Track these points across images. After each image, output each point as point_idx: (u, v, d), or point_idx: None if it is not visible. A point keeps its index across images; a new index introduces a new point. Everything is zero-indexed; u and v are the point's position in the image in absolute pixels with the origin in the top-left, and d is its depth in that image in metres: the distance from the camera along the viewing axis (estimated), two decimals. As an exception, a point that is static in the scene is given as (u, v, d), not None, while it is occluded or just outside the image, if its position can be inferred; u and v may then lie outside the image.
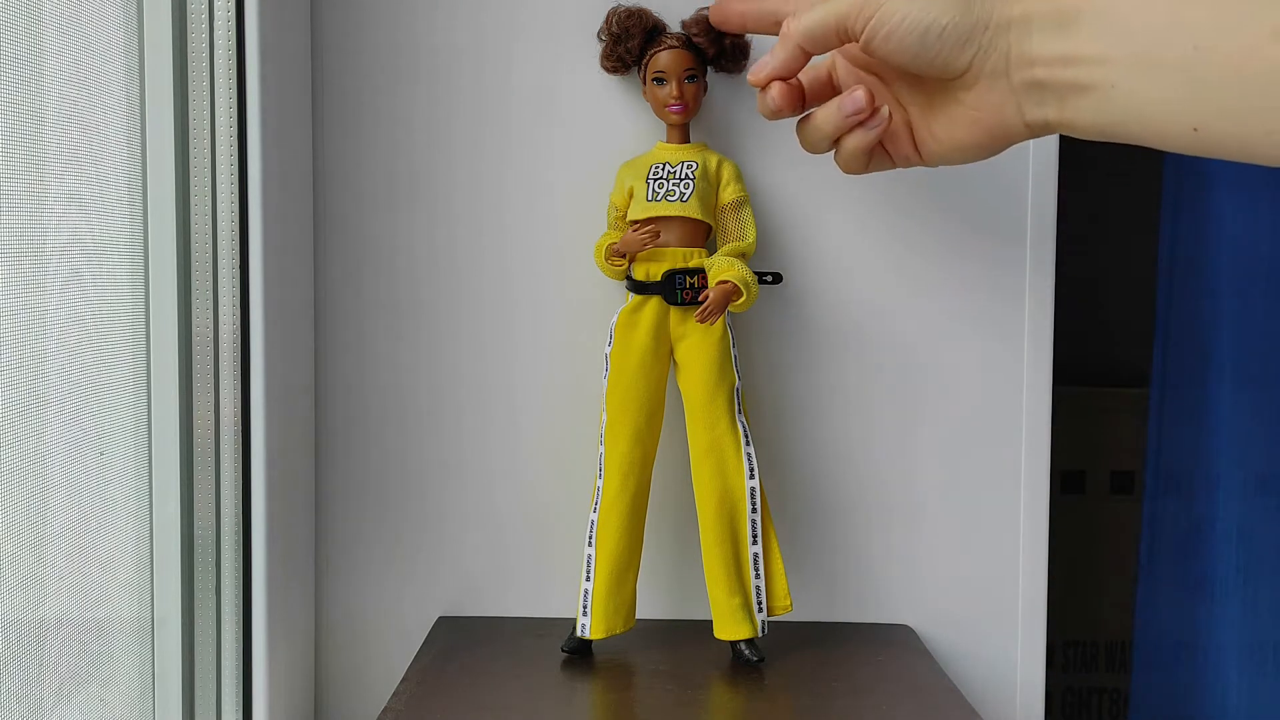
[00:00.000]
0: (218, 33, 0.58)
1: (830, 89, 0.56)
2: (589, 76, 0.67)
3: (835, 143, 0.54)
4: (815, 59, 0.53)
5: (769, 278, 0.66)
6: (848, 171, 0.55)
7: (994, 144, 0.51)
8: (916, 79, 0.52)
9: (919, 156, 0.54)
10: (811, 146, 0.55)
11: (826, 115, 0.53)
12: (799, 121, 0.55)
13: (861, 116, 0.52)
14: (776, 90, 0.53)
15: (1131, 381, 1.20)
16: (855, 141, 0.53)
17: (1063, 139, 0.68)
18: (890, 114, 0.52)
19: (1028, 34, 0.47)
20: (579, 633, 0.62)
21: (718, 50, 0.63)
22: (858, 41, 0.49)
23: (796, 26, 0.51)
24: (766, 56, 0.53)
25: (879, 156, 0.55)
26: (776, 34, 0.53)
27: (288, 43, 0.63)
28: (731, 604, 0.61)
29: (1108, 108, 0.45)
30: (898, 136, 0.54)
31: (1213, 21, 0.42)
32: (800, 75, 0.54)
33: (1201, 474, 0.87)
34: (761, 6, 0.55)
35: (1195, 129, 0.43)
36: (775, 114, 0.54)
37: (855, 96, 0.51)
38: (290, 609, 0.64)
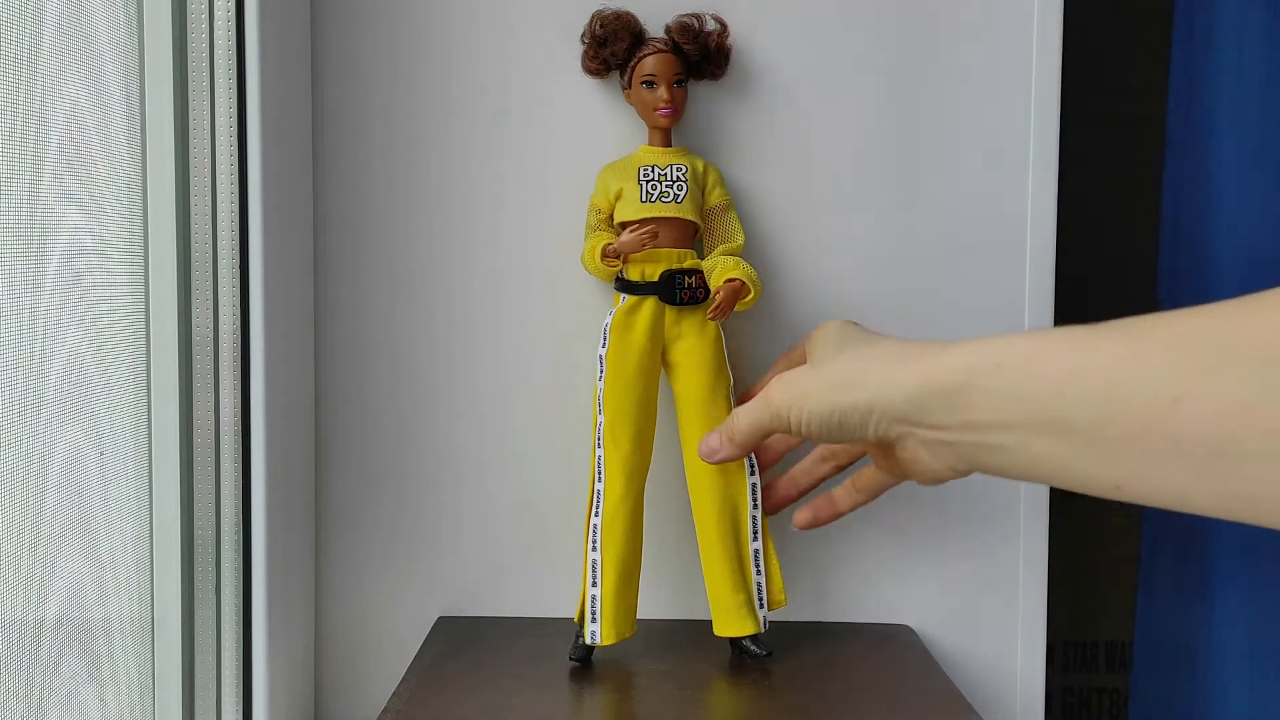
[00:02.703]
0: (218, 33, 0.58)
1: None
2: (576, 79, 0.67)
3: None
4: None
5: None
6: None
7: (940, 480, 0.53)
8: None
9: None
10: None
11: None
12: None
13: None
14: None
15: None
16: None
17: (1062, 135, 0.68)
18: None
19: (922, 408, 0.48)
20: (589, 640, 0.61)
21: (702, 56, 0.64)
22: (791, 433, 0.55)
23: (734, 436, 0.57)
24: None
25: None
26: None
27: (288, 43, 0.64)
28: (736, 601, 0.61)
29: (1027, 462, 0.45)
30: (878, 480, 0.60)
31: (1110, 390, 0.40)
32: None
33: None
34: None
35: (1117, 486, 0.42)
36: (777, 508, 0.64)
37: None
38: (290, 609, 0.64)
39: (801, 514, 0.61)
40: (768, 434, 0.58)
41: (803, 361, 0.58)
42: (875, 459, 0.58)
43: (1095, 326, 0.43)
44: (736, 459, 0.59)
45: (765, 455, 0.63)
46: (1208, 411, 0.38)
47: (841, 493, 0.61)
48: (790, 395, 0.53)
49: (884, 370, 0.49)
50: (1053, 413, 0.43)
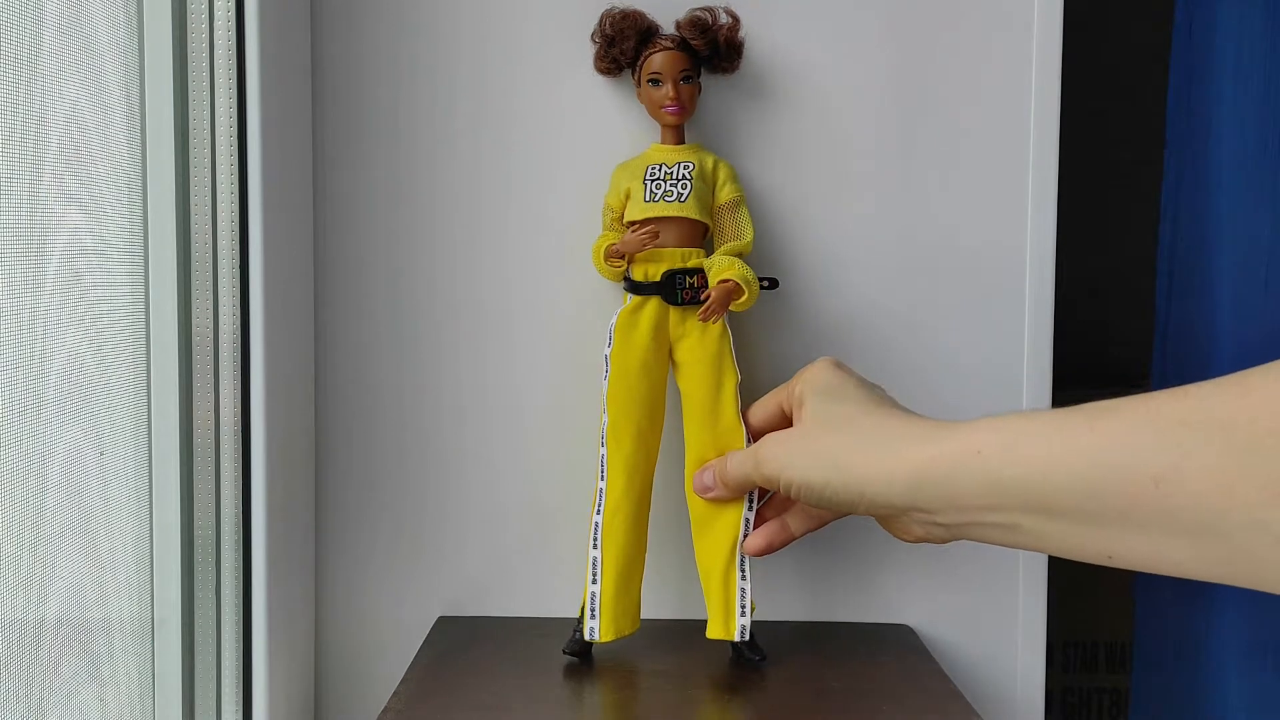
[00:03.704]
0: (218, 33, 0.58)
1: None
2: (587, 78, 0.67)
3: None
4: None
5: (765, 283, 0.66)
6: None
7: (922, 542, 0.54)
8: None
9: None
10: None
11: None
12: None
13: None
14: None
15: (1131, 381, 1.20)
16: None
17: (1062, 138, 0.68)
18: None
19: (911, 498, 0.49)
20: (588, 636, 0.61)
21: (712, 51, 0.63)
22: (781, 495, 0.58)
23: (727, 481, 0.60)
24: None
25: None
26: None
27: (288, 43, 0.63)
28: (732, 603, 0.61)
29: (1016, 538, 0.47)
30: None
31: (1092, 474, 0.42)
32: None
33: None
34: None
35: (1109, 556, 0.44)
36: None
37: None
38: (290, 609, 0.64)
39: (755, 540, 0.61)
40: (757, 488, 0.60)
41: (795, 402, 0.58)
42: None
43: (1074, 410, 0.44)
44: (728, 501, 0.61)
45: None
46: (1189, 489, 0.39)
47: (795, 519, 0.62)
48: (781, 459, 0.55)
49: (872, 458, 0.51)
50: (1037, 497, 0.44)
